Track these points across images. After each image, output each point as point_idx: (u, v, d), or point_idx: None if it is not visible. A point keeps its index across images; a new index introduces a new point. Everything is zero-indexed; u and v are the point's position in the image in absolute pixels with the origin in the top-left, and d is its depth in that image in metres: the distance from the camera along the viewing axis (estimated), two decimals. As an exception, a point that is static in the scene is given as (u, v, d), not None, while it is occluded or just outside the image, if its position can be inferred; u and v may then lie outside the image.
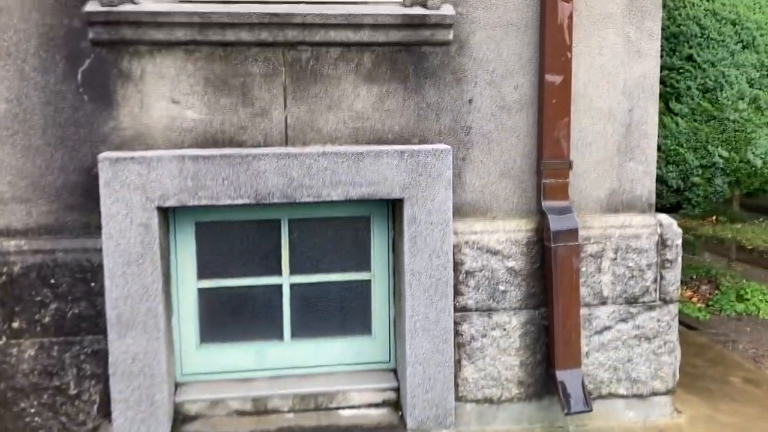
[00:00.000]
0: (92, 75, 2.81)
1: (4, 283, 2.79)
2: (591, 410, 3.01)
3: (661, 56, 5.71)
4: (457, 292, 3.04)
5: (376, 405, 3.14)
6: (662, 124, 5.63)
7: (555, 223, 2.95)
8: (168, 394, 2.87)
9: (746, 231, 6.75)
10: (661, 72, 5.68)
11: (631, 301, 3.13)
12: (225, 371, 3.12)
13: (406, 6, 2.95)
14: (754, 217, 7.23)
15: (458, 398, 3.09)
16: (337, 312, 3.19)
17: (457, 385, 3.08)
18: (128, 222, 2.75)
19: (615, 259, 3.11)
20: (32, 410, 2.84)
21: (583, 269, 3.09)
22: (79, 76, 2.81)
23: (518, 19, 3.01)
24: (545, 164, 3.00)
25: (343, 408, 3.14)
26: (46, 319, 2.82)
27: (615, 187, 3.17)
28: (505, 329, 3.08)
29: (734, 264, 6.56)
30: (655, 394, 3.21)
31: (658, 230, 3.13)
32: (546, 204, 3.01)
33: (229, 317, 3.13)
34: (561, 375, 3.01)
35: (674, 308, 3.17)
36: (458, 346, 3.07)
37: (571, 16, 2.95)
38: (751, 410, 3.38)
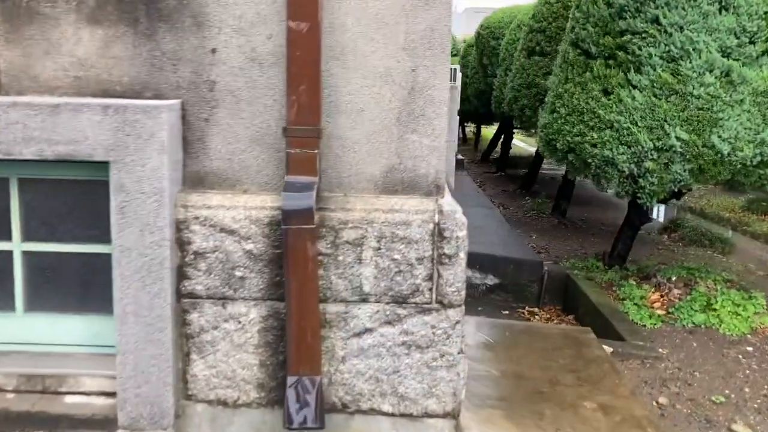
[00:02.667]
0: None
1: None
2: (321, 427, 2.51)
3: (623, 18, 4.90)
4: (183, 276, 2.60)
5: (108, 394, 2.77)
6: (618, 99, 4.84)
7: (288, 201, 2.45)
8: None
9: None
10: (622, 36, 4.90)
11: (399, 300, 2.59)
12: (-48, 341, 2.84)
13: (125, -67, 2.49)
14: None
15: (188, 397, 2.67)
16: (76, 286, 2.82)
17: (186, 382, 2.67)
18: None
19: (379, 248, 2.56)
20: None
21: (341, 258, 2.57)
22: None
23: (265, -48, 2.50)
24: (289, 131, 2.49)
25: (72, 393, 2.79)
26: None
27: (394, 163, 2.61)
28: (240, 322, 2.62)
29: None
30: (428, 415, 2.66)
31: (435, 218, 2.55)
32: (289, 178, 2.51)
33: (-42, 282, 2.83)
34: (291, 381, 2.53)
35: (456, 314, 2.59)
36: (186, 337, 2.64)
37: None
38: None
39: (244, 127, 2.61)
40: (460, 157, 13.39)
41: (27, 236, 2.79)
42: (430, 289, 2.58)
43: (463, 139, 19.54)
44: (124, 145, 2.47)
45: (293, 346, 2.52)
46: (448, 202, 2.59)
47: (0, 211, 2.77)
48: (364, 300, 2.60)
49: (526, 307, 5.71)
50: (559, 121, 5.30)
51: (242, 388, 2.66)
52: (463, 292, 2.60)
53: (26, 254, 2.80)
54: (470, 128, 20.38)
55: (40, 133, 2.47)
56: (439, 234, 2.55)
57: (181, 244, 2.58)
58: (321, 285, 2.58)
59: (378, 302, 2.59)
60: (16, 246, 2.79)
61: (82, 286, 2.82)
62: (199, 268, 2.60)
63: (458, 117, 11.93)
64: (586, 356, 3.71)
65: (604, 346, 3.93)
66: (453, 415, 2.67)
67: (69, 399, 2.79)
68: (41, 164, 2.65)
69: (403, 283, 2.58)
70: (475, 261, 5.79)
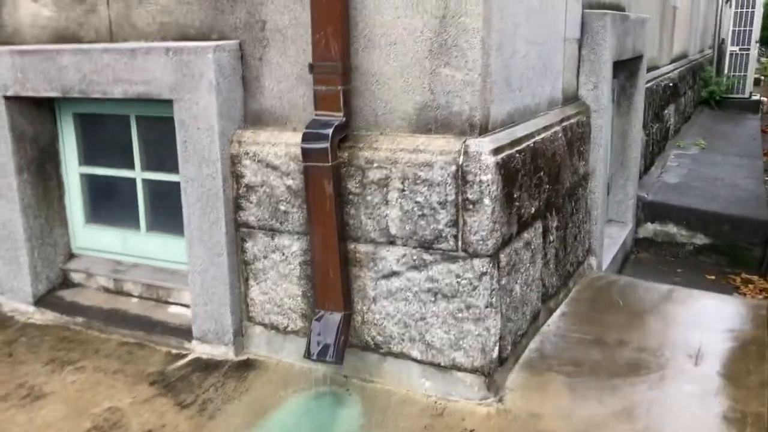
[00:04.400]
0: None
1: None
2: (337, 363, 2.56)
3: None
4: (239, 207, 2.80)
5: (198, 308, 3.14)
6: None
7: (307, 139, 2.48)
8: (29, 257, 3.32)
9: None
10: None
11: (425, 246, 2.48)
12: (103, 250, 3.45)
13: None
14: None
15: (249, 318, 2.91)
16: (179, 212, 3.21)
17: (247, 305, 2.90)
18: (-15, 108, 3.20)
19: (403, 190, 2.47)
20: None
21: (369, 198, 2.54)
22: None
23: None
24: (315, 68, 2.50)
25: (175, 304, 3.22)
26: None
27: (427, 100, 2.47)
28: (284, 254, 2.75)
29: None
30: (456, 368, 2.53)
31: (460, 160, 2.37)
32: (315, 116, 2.53)
33: (105, 203, 3.42)
34: (317, 314, 2.60)
35: (481, 265, 2.40)
36: (245, 263, 2.86)
37: None
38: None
39: (290, 65, 2.67)
40: (756, 97, 11.59)
41: (145, 166, 3.23)
42: (455, 236, 2.41)
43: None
44: (182, 84, 2.72)
45: (317, 281, 2.58)
46: (478, 141, 2.37)
47: (127, 144, 3.23)
48: (392, 242, 2.53)
49: (742, 274, 4.89)
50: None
51: (290, 316, 2.80)
52: (491, 242, 2.38)
53: (145, 182, 3.25)
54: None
55: (123, 75, 2.83)
56: (462, 177, 2.36)
57: (236, 177, 2.77)
58: (352, 224, 2.57)
59: (405, 245, 2.51)
60: (138, 174, 3.25)
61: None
62: (250, 201, 2.77)
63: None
64: (743, 337, 3.11)
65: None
66: (482, 371, 2.49)
67: (171, 309, 3.21)
68: (149, 104, 3.02)
69: (427, 228, 2.45)
70: (681, 216, 5.11)
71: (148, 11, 2.91)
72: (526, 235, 2.72)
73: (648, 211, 5.24)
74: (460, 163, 2.36)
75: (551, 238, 3.05)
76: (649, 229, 5.25)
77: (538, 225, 2.86)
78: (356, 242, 2.59)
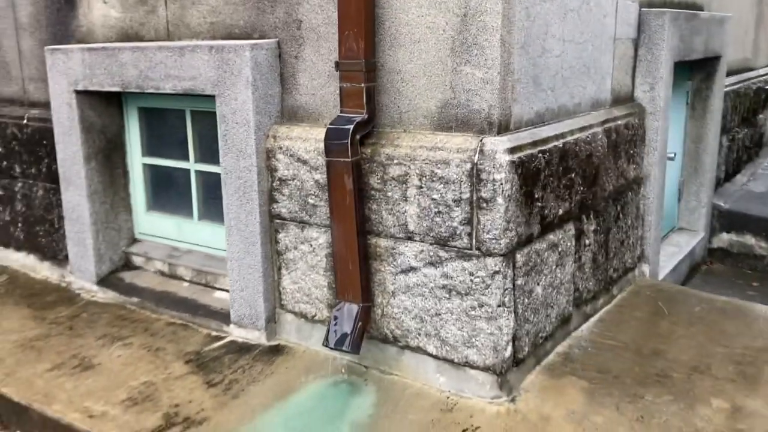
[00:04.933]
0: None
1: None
2: (353, 352, 2.63)
3: None
4: (273, 199, 2.93)
5: (241, 294, 3.30)
6: None
7: (330, 135, 2.56)
8: (93, 240, 3.59)
9: None
10: None
11: (441, 243, 2.51)
12: (162, 236, 3.69)
13: None
14: None
15: (281, 306, 3.04)
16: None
17: (279, 293, 3.02)
18: (60, 101, 3.49)
19: (421, 187, 2.51)
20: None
21: (389, 194, 2.60)
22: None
23: None
24: (340, 65, 2.58)
25: (220, 290, 3.39)
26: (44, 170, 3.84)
27: (448, 97, 2.50)
28: (312, 246, 2.85)
29: None
30: (469, 365, 2.54)
31: (475, 158, 2.38)
32: (342, 112, 2.61)
33: (164, 192, 3.65)
34: (338, 304, 2.68)
35: (494, 263, 2.41)
36: (278, 253, 2.98)
37: None
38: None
39: (323, 63, 2.76)
40: None
41: (198, 158, 3.42)
42: (469, 234, 2.43)
43: None
44: (222, 80, 2.87)
45: (338, 272, 2.66)
46: (494, 139, 2.37)
47: (183, 138, 3.43)
48: (410, 238, 2.57)
49: (824, 290, 4.56)
50: None
51: (317, 306, 2.90)
52: (504, 241, 2.38)
53: (198, 173, 3.44)
54: None
55: (173, 71, 3.02)
56: (477, 175, 2.37)
57: (271, 170, 2.90)
58: (374, 219, 2.64)
59: (422, 242, 2.54)
60: (192, 166, 3.44)
61: (233, 203, 3.34)
62: (283, 193, 2.89)
63: None
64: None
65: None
66: (495, 370, 2.49)
67: (216, 294, 3.38)
68: (198, 99, 3.20)
69: (442, 225, 2.48)
70: (760, 227, 4.84)
71: (199, 11, 3.08)
72: (551, 237, 2.68)
73: (724, 220, 4.98)
74: (476, 161, 2.37)
75: (587, 242, 2.99)
76: (725, 239, 5.00)
77: (569, 227, 2.82)
78: (378, 237, 2.64)
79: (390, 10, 2.54)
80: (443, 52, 2.46)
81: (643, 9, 3.49)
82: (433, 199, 2.48)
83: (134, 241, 3.77)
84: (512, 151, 2.37)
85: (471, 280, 2.45)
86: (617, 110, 3.28)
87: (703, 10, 4.40)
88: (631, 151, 3.38)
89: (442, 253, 2.50)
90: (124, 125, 3.62)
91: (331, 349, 2.65)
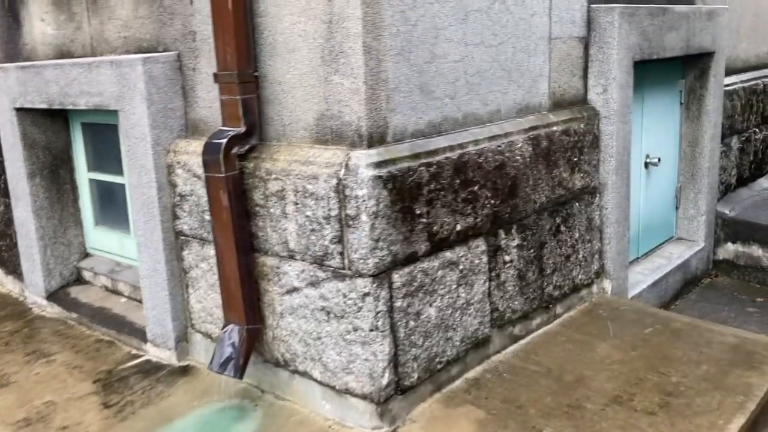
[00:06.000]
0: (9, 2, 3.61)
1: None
2: (236, 377, 2.51)
3: None
4: (175, 215, 2.86)
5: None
6: None
7: (206, 149, 2.47)
8: (41, 255, 3.62)
9: None
10: None
11: (318, 262, 2.37)
12: (107, 251, 3.69)
13: None
14: None
15: (192, 325, 2.96)
16: (159, 217, 3.34)
17: (189, 312, 2.95)
18: (4, 119, 3.54)
19: (297, 203, 2.39)
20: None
21: (271, 210, 2.48)
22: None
23: None
24: (218, 77, 2.49)
25: (151, 306, 3.35)
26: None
27: (323, 109, 2.37)
28: (209, 264, 2.76)
29: None
30: (350, 393, 2.39)
31: (341, 173, 2.24)
32: (223, 126, 2.52)
33: (108, 207, 3.65)
34: (225, 326, 2.58)
35: (364, 285, 2.25)
36: (184, 271, 2.91)
37: None
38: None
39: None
40: None
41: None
42: (341, 254, 2.28)
43: None
44: (122, 95, 2.82)
45: (222, 292, 2.56)
46: (360, 154, 2.22)
47: (117, 151, 3.42)
48: (292, 257, 2.45)
49: (835, 307, 4.13)
50: None
51: (219, 326, 2.81)
52: (372, 261, 2.22)
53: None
54: None
55: (85, 87, 3.00)
56: (342, 192, 2.23)
57: (172, 185, 2.83)
58: (261, 236, 2.53)
59: (303, 260, 2.41)
60: (126, 180, 3.42)
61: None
62: (184, 209, 2.81)
63: None
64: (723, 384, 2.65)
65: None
66: (372, 399, 2.33)
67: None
68: (112, 114, 3.17)
69: (317, 243, 2.34)
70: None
71: (114, 26, 3.06)
72: (448, 254, 2.50)
73: (729, 229, 4.59)
74: (341, 176, 2.22)
75: (507, 258, 2.78)
76: (730, 249, 4.60)
77: (476, 243, 2.62)
78: (265, 255, 2.53)
79: (268, 19, 2.43)
80: (315, 62, 2.33)
81: (592, 5, 3.23)
82: (306, 216, 2.35)
83: (86, 255, 3.79)
84: (379, 165, 2.21)
85: (345, 302, 2.30)
86: (555, 115, 3.05)
87: (694, 4, 4.07)
88: (575, 159, 3.13)
89: (319, 273, 2.37)
90: (71, 141, 3.64)
91: (216, 372, 2.55)
